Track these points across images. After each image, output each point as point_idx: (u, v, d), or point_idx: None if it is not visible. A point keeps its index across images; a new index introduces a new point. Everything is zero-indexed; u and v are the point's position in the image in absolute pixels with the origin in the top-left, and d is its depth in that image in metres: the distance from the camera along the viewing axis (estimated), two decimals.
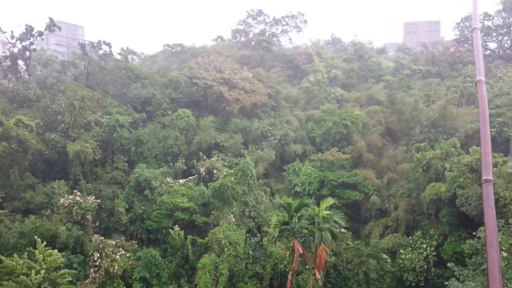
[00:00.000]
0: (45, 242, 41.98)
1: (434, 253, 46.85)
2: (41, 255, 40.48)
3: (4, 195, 49.10)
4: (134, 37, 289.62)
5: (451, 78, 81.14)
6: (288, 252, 39.98)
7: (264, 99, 73.22)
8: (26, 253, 41.08)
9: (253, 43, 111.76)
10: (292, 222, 37.68)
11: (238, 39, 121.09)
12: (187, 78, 74.33)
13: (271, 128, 67.26)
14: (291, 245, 38.11)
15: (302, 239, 37.98)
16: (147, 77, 76.25)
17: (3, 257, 39.76)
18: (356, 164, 63.58)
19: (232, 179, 54.42)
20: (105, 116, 60.15)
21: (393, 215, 54.74)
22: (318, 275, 37.47)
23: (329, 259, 47.03)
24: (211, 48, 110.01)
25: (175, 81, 73.18)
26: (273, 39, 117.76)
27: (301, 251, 37.24)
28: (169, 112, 68.66)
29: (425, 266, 46.39)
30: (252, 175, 55.14)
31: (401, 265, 47.33)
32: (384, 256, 49.11)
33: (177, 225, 50.41)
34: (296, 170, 61.12)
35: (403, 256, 47.56)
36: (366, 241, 53.10)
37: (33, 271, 38.70)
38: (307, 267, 39.79)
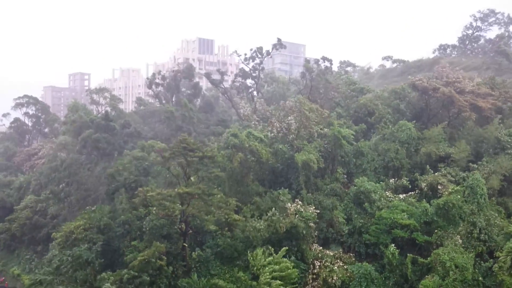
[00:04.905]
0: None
1: None
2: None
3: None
4: (350, 49, 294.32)
5: None
6: None
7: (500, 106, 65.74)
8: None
9: (486, 49, 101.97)
10: None
11: (466, 46, 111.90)
12: (409, 87, 71.56)
13: (510, 139, 59.59)
14: None
15: None
16: (370, 90, 76.38)
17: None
18: None
19: (459, 196, 49.88)
20: (326, 129, 61.77)
21: None
22: None
23: None
24: (436, 59, 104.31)
25: (396, 92, 71.17)
26: (510, 41, 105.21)
27: None
28: (390, 125, 67.02)
29: None
30: (482, 193, 49.88)
31: None
32: None
33: (393, 244, 48.42)
34: None
35: None
36: None
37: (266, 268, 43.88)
38: None
